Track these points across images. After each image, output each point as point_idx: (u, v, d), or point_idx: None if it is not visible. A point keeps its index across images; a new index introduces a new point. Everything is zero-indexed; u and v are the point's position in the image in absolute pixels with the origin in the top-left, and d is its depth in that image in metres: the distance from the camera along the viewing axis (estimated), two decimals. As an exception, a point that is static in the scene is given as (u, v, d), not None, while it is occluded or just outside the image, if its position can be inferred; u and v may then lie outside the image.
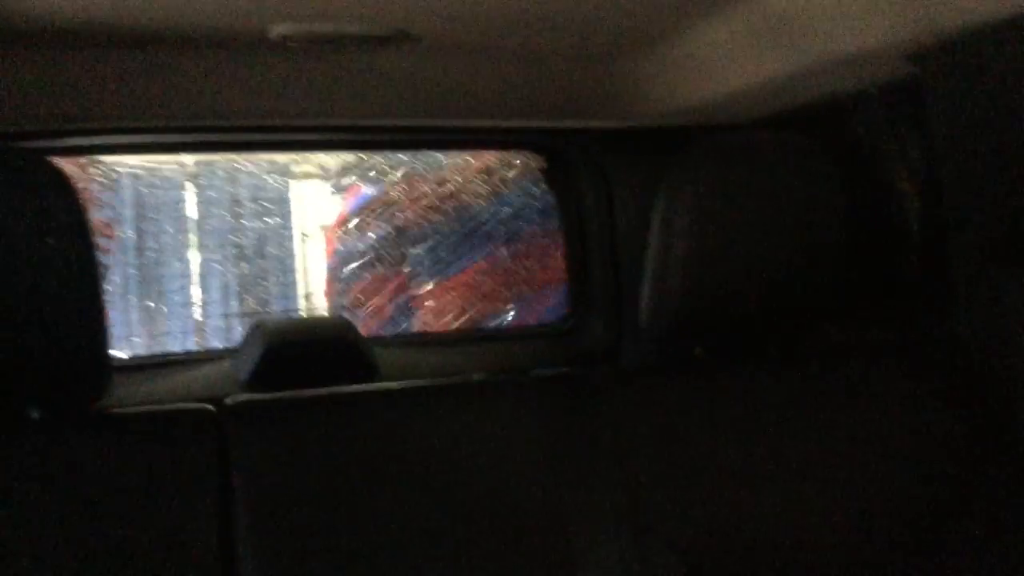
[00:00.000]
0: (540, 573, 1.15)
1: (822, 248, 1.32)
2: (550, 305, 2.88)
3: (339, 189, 3.89)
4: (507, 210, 3.20)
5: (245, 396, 1.20)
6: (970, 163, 1.38)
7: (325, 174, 4.14)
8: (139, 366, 2.01)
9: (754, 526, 1.24)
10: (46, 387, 1.07)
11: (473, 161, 3.22)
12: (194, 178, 3.62)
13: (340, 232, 3.87)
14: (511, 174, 3.10)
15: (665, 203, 1.32)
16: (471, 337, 2.43)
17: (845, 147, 1.78)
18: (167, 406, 1.17)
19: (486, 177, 3.20)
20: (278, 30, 1.44)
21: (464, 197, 3.34)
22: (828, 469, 1.29)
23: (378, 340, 2.32)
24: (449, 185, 3.36)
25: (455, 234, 3.44)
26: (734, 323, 1.34)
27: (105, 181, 3.30)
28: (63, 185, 1.03)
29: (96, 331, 1.06)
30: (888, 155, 1.74)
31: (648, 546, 1.19)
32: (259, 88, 1.62)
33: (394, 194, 3.60)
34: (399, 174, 3.51)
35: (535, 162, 2.40)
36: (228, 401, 1.18)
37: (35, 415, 1.08)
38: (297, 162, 4.10)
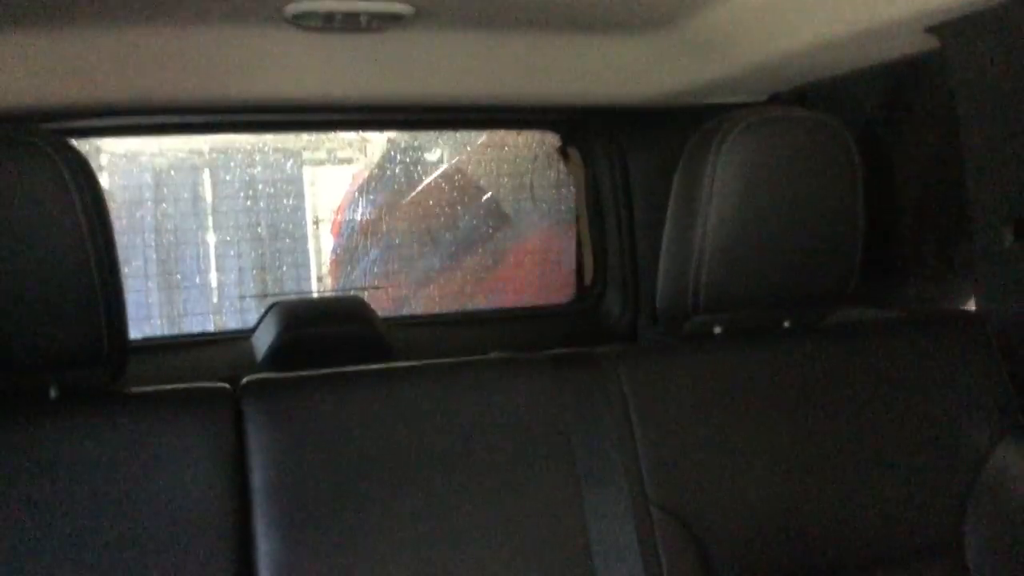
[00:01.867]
0: (555, 549, 1.16)
1: (840, 224, 1.31)
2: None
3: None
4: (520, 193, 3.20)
5: (261, 375, 1.21)
6: (991, 137, 1.37)
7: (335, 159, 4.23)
8: (157, 347, 2.03)
9: (768, 503, 1.24)
10: (64, 367, 1.08)
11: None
12: (210, 164, 3.67)
13: (347, 215, 3.90)
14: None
15: (682, 181, 1.32)
16: (486, 317, 2.43)
17: (863, 121, 1.77)
18: (184, 385, 1.18)
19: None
20: (293, 9, 1.44)
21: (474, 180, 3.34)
22: (845, 445, 1.29)
23: (393, 320, 2.32)
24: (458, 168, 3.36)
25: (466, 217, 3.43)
26: (752, 301, 1.33)
27: (125, 165, 3.33)
28: (81, 166, 1.03)
29: (114, 311, 1.07)
30: (906, 129, 1.72)
31: (661, 521, 1.19)
32: (274, 68, 1.62)
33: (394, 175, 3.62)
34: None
35: (552, 141, 2.39)
36: (244, 380, 1.19)
37: (54, 394, 1.09)
38: (309, 149, 4.17)
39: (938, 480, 1.31)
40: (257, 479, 1.10)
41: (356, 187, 4.00)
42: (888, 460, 1.30)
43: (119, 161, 3.39)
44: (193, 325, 3.51)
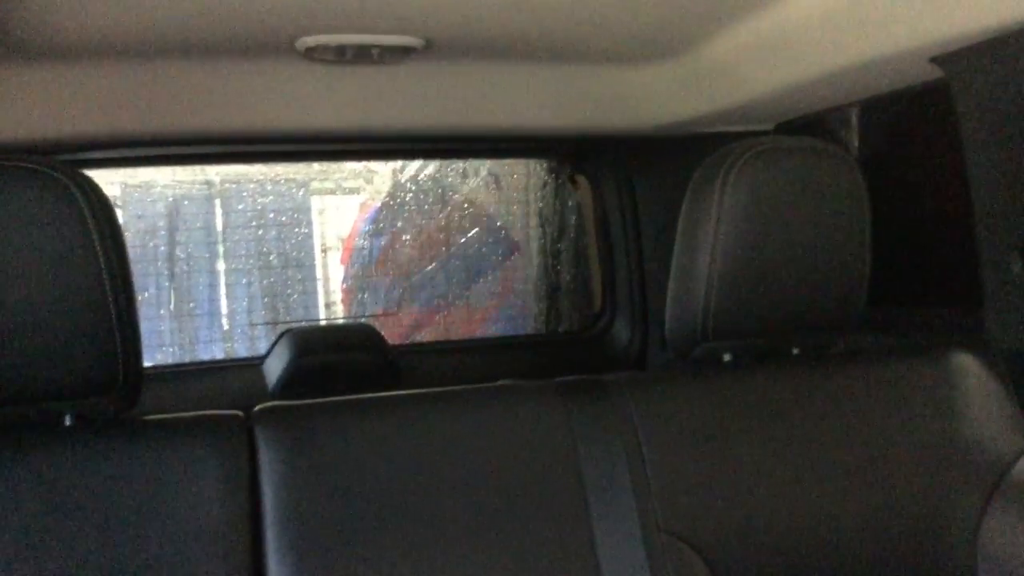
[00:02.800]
0: (566, 571, 1.16)
1: (848, 251, 1.32)
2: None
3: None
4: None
5: (274, 403, 1.22)
6: (997, 164, 1.38)
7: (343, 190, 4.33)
8: (170, 374, 2.04)
9: (778, 527, 1.24)
10: (80, 395, 1.09)
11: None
12: (222, 194, 3.72)
13: (355, 244, 3.93)
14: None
15: (690, 209, 1.32)
16: (496, 344, 2.44)
17: (870, 150, 1.78)
18: (197, 413, 1.18)
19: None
20: (306, 42, 1.46)
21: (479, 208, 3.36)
22: (855, 472, 1.29)
23: (404, 347, 2.33)
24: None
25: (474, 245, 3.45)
26: (761, 328, 1.33)
27: (139, 195, 3.37)
28: (98, 196, 1.05)
29: (129, 340, 1.08)
30: (913, 158, 1.73)
31: (672, 547, 1.19)
32: (287, 99, 1.65)
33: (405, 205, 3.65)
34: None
35: (561, 170, 2.41)
36: (257, 407, 1.20)
37: (68, 422, 1.10)
38: (317, 179, 4.25)
39: (949, 508, 1.30)
40: (269, 505, 1.11)
41: (364, 216, 4.04)
42: (898, 487, 1.30)
43: (133, 192, 3.43)
44: (204, 353, 3.53)
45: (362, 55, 1.52)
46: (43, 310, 1.01)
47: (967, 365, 1.38)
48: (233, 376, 2.03)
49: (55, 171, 1.02)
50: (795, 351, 1.38)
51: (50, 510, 1.04)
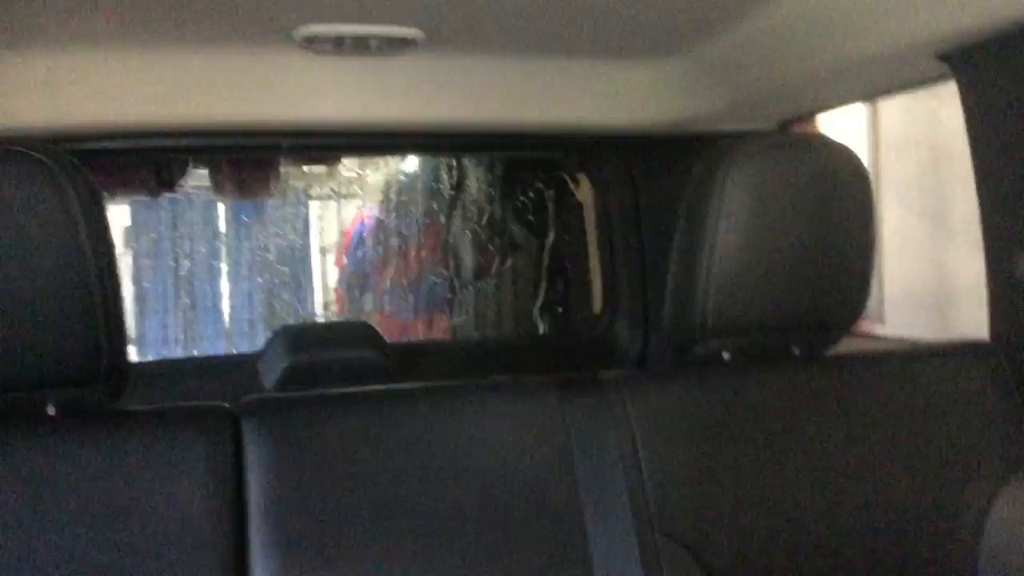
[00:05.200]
0: (558, 570, 1.14)
1: (851, 249, 1.29)
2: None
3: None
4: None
5: (261, 395, 1.20)
6: (1003, 162, 1.36)
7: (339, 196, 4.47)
8: (165, 369, 2.02)
9: (776, 529, 1.22)
10: (62, 383, 1.06)
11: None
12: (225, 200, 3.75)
13: (351, 245, 3.97)
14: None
15: (691, 204, 1.31)
16: (497, 344, 2.42)
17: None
18: (184, 404, 1.17)
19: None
20: (303, 32, 1.44)
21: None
22: (854, 474, 1.26)
23: (403, 346, 2.32)
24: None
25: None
26: (760, 327, 1.31)
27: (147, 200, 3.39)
28: (85, 183, 1.03)
29: (113, 330, 1.06)
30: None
31: (667, 548, 1.17)
32: (284, 90, 1.63)
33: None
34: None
35: (562, 167, 2.39)
36: (245, 399, 1.18)
37: (51, 411, 1.08)
38: (315, 185, 4.35)
39: (950, 510, 1.28)
40: (255, 498, 1.09)
41: (359, 219, 4.08)
42: (899, 490, 1.27)
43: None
44: (206, 348, 3.55)
45: (361, 46, 1.50)
46: (24, 297, 0.99)
47: (970, 366, 1.35)
48: (230, 372, 2.02)
49: (39, 153, 1.00)
50: (795, 350, 1.36)
51: (31, 500, 1.02)
